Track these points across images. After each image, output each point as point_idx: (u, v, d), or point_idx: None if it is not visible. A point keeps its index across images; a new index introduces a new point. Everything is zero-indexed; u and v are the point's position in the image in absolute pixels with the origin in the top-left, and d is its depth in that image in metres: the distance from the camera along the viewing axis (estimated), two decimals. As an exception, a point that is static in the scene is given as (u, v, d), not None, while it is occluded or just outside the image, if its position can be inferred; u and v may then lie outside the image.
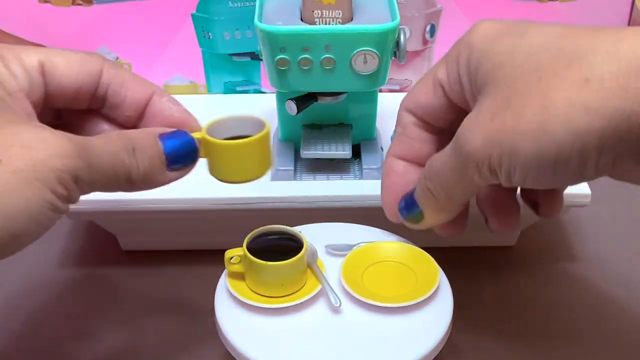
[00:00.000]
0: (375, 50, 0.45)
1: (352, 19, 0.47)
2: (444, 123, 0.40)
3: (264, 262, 0.39)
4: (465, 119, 0.34)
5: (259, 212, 0.49)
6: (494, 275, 0.52)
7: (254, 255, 0.40)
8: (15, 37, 0.61)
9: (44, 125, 0.32)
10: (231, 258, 0.41)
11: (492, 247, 0.54)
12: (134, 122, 0.38)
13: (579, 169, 0.31)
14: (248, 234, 0.41)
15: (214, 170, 0.39)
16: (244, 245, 0.41)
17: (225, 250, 0.41)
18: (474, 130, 0.33)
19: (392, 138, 0.43)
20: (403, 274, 0.42)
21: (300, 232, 0.42)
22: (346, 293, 0.41)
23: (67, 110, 0.38)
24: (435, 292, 0.41)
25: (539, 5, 0.61)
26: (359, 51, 0.45)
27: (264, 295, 0.40)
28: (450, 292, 0.41)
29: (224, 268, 0.42)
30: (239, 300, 0.40)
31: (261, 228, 0.42)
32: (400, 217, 0.41)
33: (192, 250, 0.54)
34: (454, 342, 0.42)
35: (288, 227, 0.42)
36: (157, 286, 0.52)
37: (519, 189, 0.42)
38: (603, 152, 0.30)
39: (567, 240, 0.56)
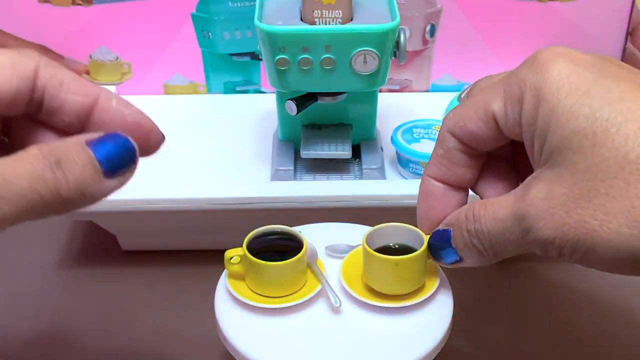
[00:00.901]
0: (375, 50, 0.45)
1: (352, 19, 0.47)
2: (491, 149, 0.37)
3: (264, 262, 0.39)
4: (532, 196, 0.32)
5: (259, 212, 0.49)
6: (494, 276, 0.52)
7: (254, 255, 0.40)
8: (15, 37, 0.61)
9: None
10: (231, 258, 0.41)
11: (492, 247, 0.54)
12: (78, 129, 0.33)
13: None
14: (248, 234, 0.41)
15: (370, 281, 0.40)
16: (244, 245, 0.41)
17: (225, 250, 0.41)
18: (546, 219, 0.31)
19: (429, 156, 0.40)
20: None
21: (300, 232, 0.42)
22: (346, 293, 0.41)
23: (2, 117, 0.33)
24: (435, 292, 0.41)
25: (539, 5, 0.61)
26: (359, 51, 0.45)
27: (264, 295, 0.40)
28: (450, 292, 0.41)
29: (224, 268, 0.42)
30: (239, 300, 0.40)
31: (261, 228, 0.42)
32: (433, 258, 0.39)
33: (192, 250, 0.54)
34: (454, 342, 0.42)
35: (288, 227, 0.42)
36: (157, 286, 0.52)
37: None
38: None
39: (567, 240, 0.56)
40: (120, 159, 0.32)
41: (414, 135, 0.53)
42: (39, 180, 0.29)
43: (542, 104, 0.32)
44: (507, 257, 0.36)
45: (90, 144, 0.31)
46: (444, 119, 0.37)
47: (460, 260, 0.37)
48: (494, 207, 0.34)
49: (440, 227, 0.38)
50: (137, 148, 0.32)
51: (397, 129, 0.54)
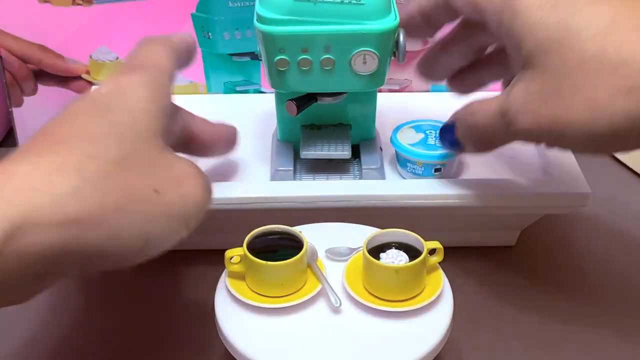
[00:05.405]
0: (374, 51, 0.45)
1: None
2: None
3: (264, 262, 0.40)
4: (513, 94, 0.39)
5: (258, 212, 0.49)
6: (494, 275, 0.52)
7: (254, 255, 0.40)
8: (15, 37, 0.61)
9: (178, 156, 0.37)
10: (231, 258, 0.41)
11: (492, 247, 0.54)
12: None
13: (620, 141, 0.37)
14: (248, 234, 0.41)
15: (370, 287, 0.41)
16: (244, 245, 0.41)
17: (225, 250, 0.41)
18: (525, 112, 0.38)
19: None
20: None
21: (300, 232, 0.42)
22: (347, 294, 0.41)
23: None
24: (436, 296, 0.41)
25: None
26: (358, 51, 0.45)
27: (264, 295, 0.40)
28: (451, 294, 0.41)
29: (224, 268, 0.42)
30: (239, 300, 0.40)
31: (261, 228, 0.42)
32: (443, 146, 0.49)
33: (192, 250, 0.54)
34: (454, 342, 0.42)
35: (288, 227, 0.42)
36: (157, 286, 0.52)
37: None
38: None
39: (567, 240, 0.56)
40: None
41: (414, 134, 0.53)
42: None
43: (516, 18, 0.38)
44: (498, 146, 0.43)
45: None
46: None
47: (463, 148, 0.46)
48: (488, 103, 0.41)
49: (449, 121, 0.46)
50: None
51: (396, 129, 0.54)
